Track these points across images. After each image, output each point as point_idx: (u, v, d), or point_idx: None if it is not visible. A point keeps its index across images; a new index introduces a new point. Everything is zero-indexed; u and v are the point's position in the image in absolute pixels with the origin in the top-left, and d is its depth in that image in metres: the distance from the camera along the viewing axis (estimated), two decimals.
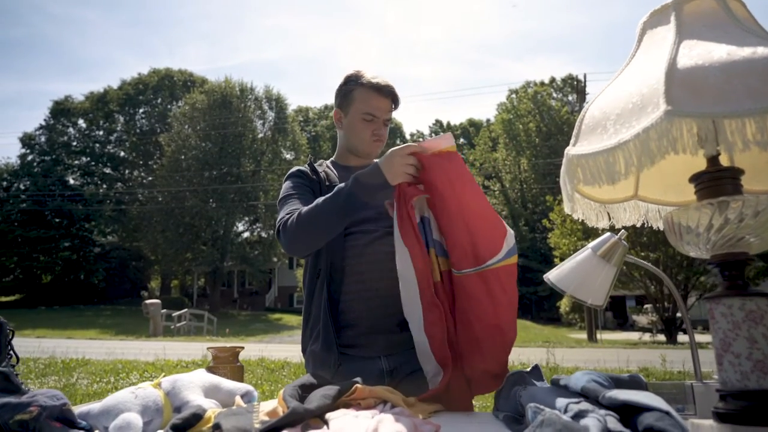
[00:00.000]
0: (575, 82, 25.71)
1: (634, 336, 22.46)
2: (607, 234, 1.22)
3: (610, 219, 1.22)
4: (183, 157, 32.18)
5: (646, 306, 26.27)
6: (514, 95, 46.66)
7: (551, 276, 1.27)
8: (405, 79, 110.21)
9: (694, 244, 0.95)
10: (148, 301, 20.02)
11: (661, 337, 19.56)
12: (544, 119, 45.02)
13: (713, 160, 0.96)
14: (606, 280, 1.22)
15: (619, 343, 18.44)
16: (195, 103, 32.13)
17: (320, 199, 1.37)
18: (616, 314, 35.09)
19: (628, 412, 0.83)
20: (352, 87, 1.59)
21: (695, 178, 0.98)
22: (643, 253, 17.04)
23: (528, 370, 1.26)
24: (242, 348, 1.38)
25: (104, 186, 39.18)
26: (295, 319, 30.12)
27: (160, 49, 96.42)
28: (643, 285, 18.41)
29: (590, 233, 19.21)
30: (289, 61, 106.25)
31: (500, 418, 1.14)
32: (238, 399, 1.03)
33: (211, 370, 1.28)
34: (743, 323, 0.86)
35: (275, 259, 34.93)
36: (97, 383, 6.67)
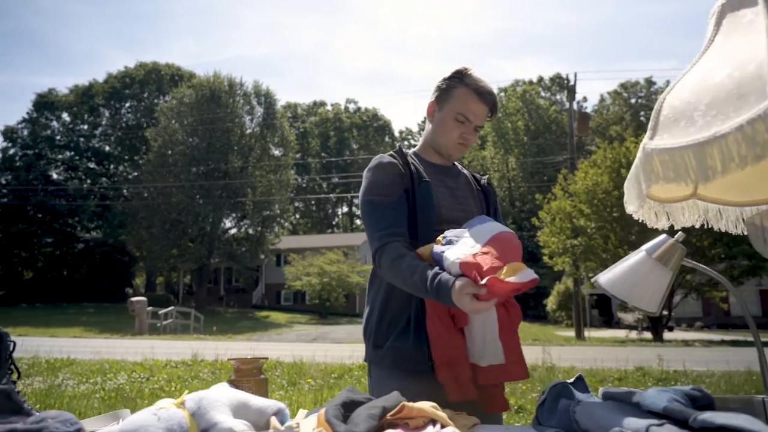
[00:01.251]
0: (564, 81, 25.76)
1: (620, 333, 22.65)
2: (663, 236, 1.13)
3: (668, 218, 1.14)
4: (170, 152, 31.78)
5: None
6: (503, 93, 46.78)
7: (601, 280, 1.18)
8: (395, 77, 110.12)
9: None
10: (133, 299, 19.71)
11: (647, 335, 19.71)
12: (533, 118, 45.23)
13: None
14: (661, 285, 1.13)
15: (607, 340, 18.55)
16: (182, 97, 31.73)
17: (409, 270, 1.32)
18: (602, 312, 35.37)
19: None
20: (454, 84, 1.52)
21: None
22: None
23: (572, 381, 1.17)
24: (266, 359, 1.27)
25: (88, 181, 38.57)
26: (283, 317, 29.92)
27: (147, 43, 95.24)
28: None
29: (579, 232, 19.26)
30: (278, 58, 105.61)
31: None
32: (274, 421, 0.93)
33: (233, 383, 1.16)
34: None
35: (262, 256, 34.69)
36: (84, 384, 6.50)
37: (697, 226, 1.14)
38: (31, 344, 11.27)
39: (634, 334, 20.55)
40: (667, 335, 19.61)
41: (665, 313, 18.74)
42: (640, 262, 1.14)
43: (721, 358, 9.10)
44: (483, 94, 1.49)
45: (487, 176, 1.70)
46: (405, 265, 1.32)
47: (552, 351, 8.85)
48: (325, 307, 30.37)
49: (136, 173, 37.48)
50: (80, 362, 8.22)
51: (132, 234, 32.81)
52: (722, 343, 16.89)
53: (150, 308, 20.08)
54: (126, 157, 39.62)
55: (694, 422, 0.77)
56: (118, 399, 5.78)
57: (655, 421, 0.83)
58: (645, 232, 17.89)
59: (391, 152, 1.55)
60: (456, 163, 1.65)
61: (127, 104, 39.33)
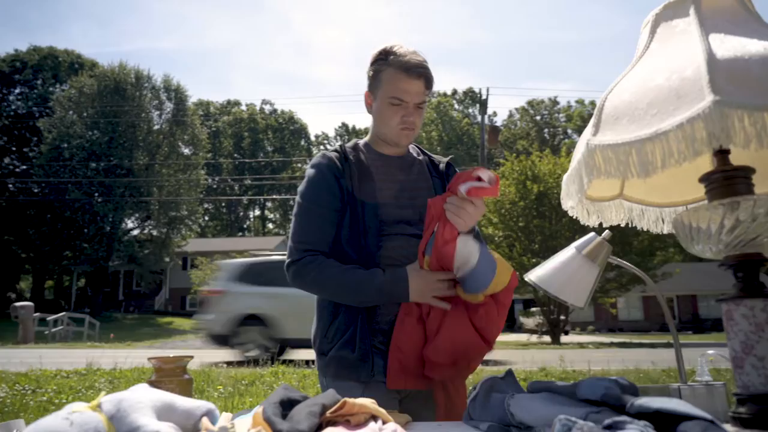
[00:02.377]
0: (477, 95, 26.86)
1: (522, 337, 23.82)
2: (592, 234, 1.17)
3: (598, 217, 1.19)
4: (66, 145, 29.37)
5: (533, 309, 27.96)
6: None
7: (533, 276, 1.21)
8: (310, 80, 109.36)
9: (705, 245, 0.92)
10: (17, 304, 17.94)
11: (547, 338, 20.90)
12: (446, 129, 46.70)
13: (723, 159, 0.94)
14: (589, 281, 1.17)
15: (511, 344, 19.44)
16: (83, 87, 29.50)
17: (343, 274, 1.35)
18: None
19: (660, 422, 0.77)
20: (380, 67, 1.44)
21: (705, 178, 0.95)
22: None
23: (501, 375, 1.18)
24: (191, 357, 1.17)
25: None
26: (188, 323, 28.55)
27: (39, 25, 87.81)
28: (532, 289, 19.59)
29: (487, 240, 20.09)
30: (189, 53, 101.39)
31: (483, 428, 1.05)
32: (206, 422, 0.85)
33: (153, 384, 1.07)
34: (766, 325, 0.84)
35: (167, 259, 32.99)
36: None
37: (623, 225, 1.20)
38: None
39: (534, 338, 21.69)
40: (563, 339, 20.90)
41: (562, 317, 19.97)
42: (570, 259, 1.18)
43: (614, 358, 9.83)
44: (411, 69, 1.39)
45: (449, 157, 1.63)
46: (338, 272, 1.36)
47: None
48: None
49: (24, 166, 34.23)
50: None
51: (17, 232, 29.93)
52: (611, 345, 18.29)
53: (37, 314, 18.37)
54: (13, 149, 36.09)
55: (631, 408, 0.80)
56: (5, 412, 5.20)
57: (594, 408, 0.86)
58: (546, 241, 19.02)
59: (335, 148, 1.49)
60: (412, 149, 1.59)
61: (17, 90, 35.88)
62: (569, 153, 21.54)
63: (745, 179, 0.93)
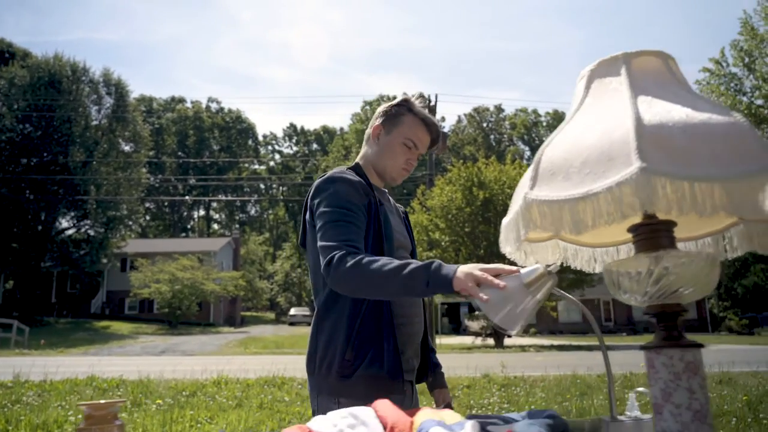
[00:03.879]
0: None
1: (467, 340, 24.28)
2: (538, 265, 1.19)
3: (534, 256, 1.23)
4: None
5: (478, 312, 28.54)
6: (368, 107, 48.14)
7: (478, 301, 1.22)
8: (258, 80, 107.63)
9: (632, 294, 0.97)
10: None
11: (491, 341, 21.39)
12: None
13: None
14: (528, 310, 1.18)
15: (456, 347, 19.78)
16: (13, 78, 27.85)
17: (389, 267, 1.23)
18: (451, 320, 37.68)
19: None
20: (403, 111, 1.60)
21: (633, 229, 1.00)
22: None
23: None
24: (124, 401, 1.13)
25: None
26: (126, 327, 27.44)
27: None
28: None
29: (434, 245, 20.40)
30: (132, 46, 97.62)
31: None
32: None
33: None
34: (683, 374, 0.89)
35: (105, 260, 31.61)
36: None
37: (559, 264, 1.25)
38: None
39: (479, 341, 22.16)
40: (507, 341, 21.46)
41: None
42: (514, 288, 1.19)
43: (552, 363, 10.17)
44: (430, 124, 1.60)
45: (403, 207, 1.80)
46: (382, 265, 1.24)
47: None
48: (175, 316, 28.48)
49: None
50: None
51: None
52: (552, 348, 18.91)
53: None
54: None
55: None
56: None
57: None
58: (491, 247, 19.49)
59: (351, 169, 1.56)
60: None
61: None
62: (514, 161, 22.14)
63: (667, 232, 0.98)
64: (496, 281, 1.13)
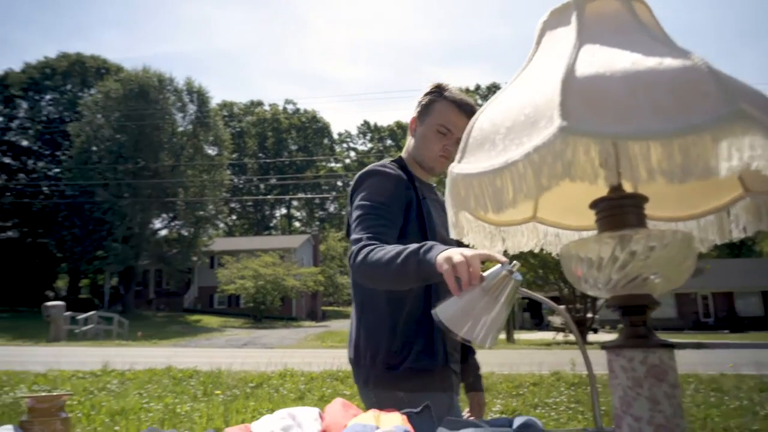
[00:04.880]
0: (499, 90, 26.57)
1: (549, 336, 23.44)
2: (497, 267, 1.03)
3: (504, 243, 1.08)
4: (94, 148, 30.12)
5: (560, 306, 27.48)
6: None
7: (439, 313, 1.06)
8: (330, 80, 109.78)
9: (593, 281, 0.81)
10: (48, 304, 18.50)
11: (573, 337, 20.50)
12: None
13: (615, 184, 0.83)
14: (496, 320, 1.02)
15: (535, 343, 19.14)
16: (109, 91, 30.16)
17: (389, 255, 1.20)
18: (533, 315, 36.60)
19: None
20: (434, 98, 1.57)
21: (595, 205, 0.85)
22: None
23: (417, 410, 1.09)
24: (71, 394, 1.12)
25: (4, 177, 35.91)
26: (215, 321, 28.99)
27: (69, 33, 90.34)
28: (557, 287, 19.23)
29: None
30: (211, 55, 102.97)
31: None
32: None
33: (24, 426, 1.01)
34: (645, 380, 0.73)
35: (195, 258, 33.54)
36: None
37: (537, 251, 1.10)
38: None
39: (560, 336, 21.30)
40: (592, 337, 20.48)
41: (589, 315, 19.55)
42: (476, 297, 1.04)
43: None
44: (463, 105, 1.55)
45: None
46: (384, 255, 1.21)
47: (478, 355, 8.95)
48: (259, 311, 29.70)
49: (57, 170, 35.25)
50: None
51: (52, 234, 30.85)
52: None
53: (69, 313, 18.89)
54: (47, 153, 37.20)
55: None
56: (13, 416, 5.32)
57: None
58: None
59: (392, 162, 1.55)
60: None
61: (48, 96, 36.93)
62: None
63: (636, 209, 0.82)
64: (464, 276, 0.99)
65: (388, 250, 1.22)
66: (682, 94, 0.64)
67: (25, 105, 36.96)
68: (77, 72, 36.77)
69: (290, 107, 58.00)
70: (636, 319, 0.79)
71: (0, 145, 36.10)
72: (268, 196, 52.97)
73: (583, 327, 19.14)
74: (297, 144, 55.32)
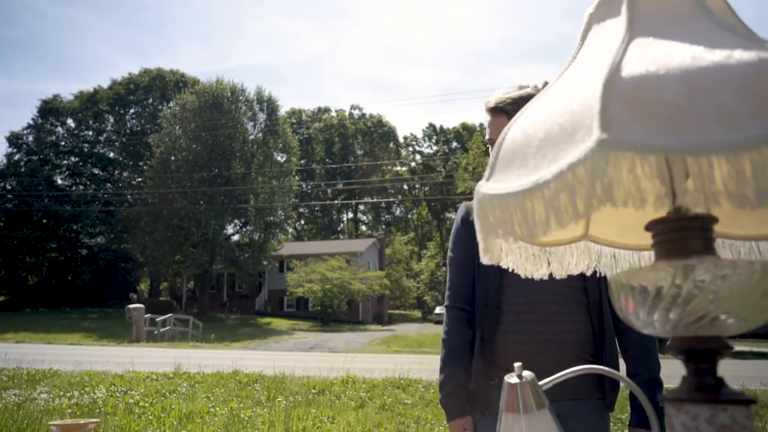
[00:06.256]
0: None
1: None
2: (504, 384, 0.85)
3: (549, 266, 0.96)
4: (173, 158, 31.82)
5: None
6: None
7: None
8: (397, 84, 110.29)
9: (647, 319, 0.68)
10: (131, 306, 19.65)
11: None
12: None
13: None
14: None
15: None
16: (185, 103, 31.78)
17: (443, 356, 1.56)
18: None
19: None
20: (487, 116, 1.56)
21: (652, 227, 0.72)
22: None
23: None
24: (96, 422, 1.10)
25: (93, 187, 38.70)
26: (285, 324, 29.74)
27: (152, 50, 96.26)
28: None
29: None
30: (282, 65, 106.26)
31: None
32: None
33: None
34: None
35: (265, 263, 34.60)
36: (60, 398, 6.35)
37: (589, 274, 0.97)
38: (24, 351, 11.19)
39: None
40: None
41: None
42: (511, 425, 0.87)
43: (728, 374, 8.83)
44: (492, 108, 1.55)
45: None
46: (452, 352, 1.55)
47: None
48: (327, 314, 30.18)
49: (139, 179, 37.56)
50: (62, 374, 8.09)
51: (135, 239, 32.84)
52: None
53: (148, 315, 19.99)
54: (130, 163, 39.75)
55: None
56: (91, 415, 5.63)
57: None
58: None
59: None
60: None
61: (132, 110, 39.51)
62: None
63: (703, 232, 0.68)
64: None
65: (448, 349, 1.55)
66: (756, 96, 0.51)
67: (111, 119, 39.69)
68: (158, 86, 39.07)
69: (356, 112, 58.79)
70: (703, 367, 0.65)
71: (90, 157, 38.95)
72: (335, 201, 53.89)
73: None
74: (363, 148, 55.95)
